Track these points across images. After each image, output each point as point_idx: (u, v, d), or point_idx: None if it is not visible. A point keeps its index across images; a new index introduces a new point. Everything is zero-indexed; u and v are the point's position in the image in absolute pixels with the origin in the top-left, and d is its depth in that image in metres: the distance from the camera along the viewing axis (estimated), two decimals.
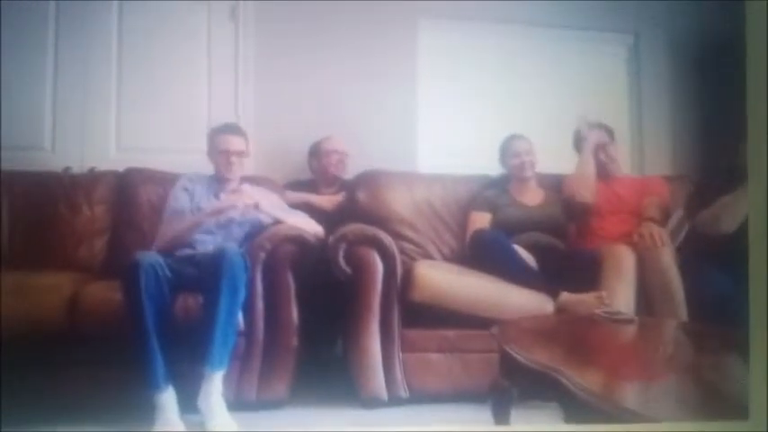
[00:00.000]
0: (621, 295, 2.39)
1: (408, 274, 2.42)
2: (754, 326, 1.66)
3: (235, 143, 2.51)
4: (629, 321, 2.04)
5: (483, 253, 2.58)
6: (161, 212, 2.54)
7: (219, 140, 2.51)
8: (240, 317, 2.21)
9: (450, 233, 2.88)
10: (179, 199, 2.48)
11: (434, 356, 2.41)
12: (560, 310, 2.39)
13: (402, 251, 2.65)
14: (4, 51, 2.81)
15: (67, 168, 2.90)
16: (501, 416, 1.73)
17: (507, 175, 2.88)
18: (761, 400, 1.56)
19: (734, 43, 1.77)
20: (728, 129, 1.97)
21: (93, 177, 2.84)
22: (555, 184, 2.89)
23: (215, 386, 2.08)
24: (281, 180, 2.94)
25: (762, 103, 1.72)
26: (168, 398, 2.05)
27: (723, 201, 2.46)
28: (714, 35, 3.23)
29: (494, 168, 2.95)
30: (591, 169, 2.82)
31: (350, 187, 2.92)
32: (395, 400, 2.36)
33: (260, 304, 2.30)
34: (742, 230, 1.95)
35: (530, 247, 2.62)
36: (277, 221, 2.46)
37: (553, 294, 2.42)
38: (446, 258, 2.82)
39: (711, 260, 2.42)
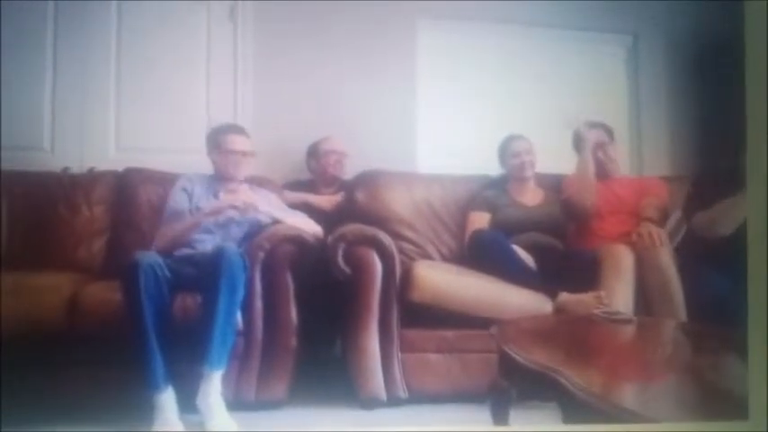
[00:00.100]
0: (620, 295, 2.39)
1: (407, 275, 2.42)
2: (753, 326, 1.66)
3: (242, 143, 2.52)
4: (628, 321, 2.04)
5: (482, 253, 2.58)
6: (160, 212, 2.54)
7: (226, 140, 2.51)
8: (239, 317, 2.21)
9: (449, 233, 2.88)
10: (178, 199, 2.47)
11: (433, 357, 2.41)
12: (559, 310, 2.39)
13: (401, 251, 2.65)
14: (3, 51, 2.81)
15: (67, 168, 2.90)
16: (500, 416, 1.73)
17: (506, 175, 2.88)
18: (761, 400, 1.57)
19: (733, 44, 1.77)
20: (727, 129, 1.96)
21: (93, 177, 2.84)
22: (554, 185, 2.89)
23: (214, 386, 2.07)
24: (279, 180, 2.94)
25: (761, 103, 1.72)
26: (167, 398, 2.05)
27: (721, 205, 2.45)
28: (713, 35, 3.22)
29: (493, 168, 2.95)
30: (590, 169, 2.82)
31: (349, 187, 2.92)
32: (394, 401, 2.36)
33: (259, 304, 2.29)
34: (740, 231, 1.95)
35: (529, 248, 2.62)
36: (276, 221, 2.46)
37: (552, 294, 2.42)
38: (445, 258, 2.83)
39: (710, 261, 2.41)
